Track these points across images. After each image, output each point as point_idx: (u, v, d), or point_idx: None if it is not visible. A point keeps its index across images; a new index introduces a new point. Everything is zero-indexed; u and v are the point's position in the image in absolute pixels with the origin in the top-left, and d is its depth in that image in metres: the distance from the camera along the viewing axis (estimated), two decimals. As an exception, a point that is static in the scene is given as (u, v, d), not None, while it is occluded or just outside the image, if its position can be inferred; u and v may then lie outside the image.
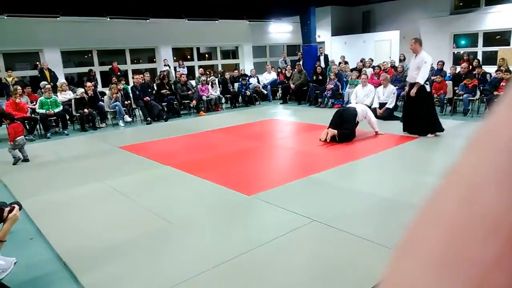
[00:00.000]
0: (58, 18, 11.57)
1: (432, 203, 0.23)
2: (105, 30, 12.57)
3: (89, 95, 9.53)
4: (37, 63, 11.94)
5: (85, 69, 12.88)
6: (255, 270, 2.97)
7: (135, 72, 12.80)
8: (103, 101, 9.96)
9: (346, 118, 6.75)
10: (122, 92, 10.06)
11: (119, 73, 11.88)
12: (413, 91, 6.59)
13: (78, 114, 9.32)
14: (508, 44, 13.25)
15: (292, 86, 12.16)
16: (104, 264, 3.15)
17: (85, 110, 9.23)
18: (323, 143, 6.54)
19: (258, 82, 13.01)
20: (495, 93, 8.54)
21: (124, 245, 3.45)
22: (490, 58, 12.91)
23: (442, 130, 6.80)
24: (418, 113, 6.66)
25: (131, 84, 11.12)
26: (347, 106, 7.50)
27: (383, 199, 4.21)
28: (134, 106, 10.28)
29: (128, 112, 10.14)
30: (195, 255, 3.21)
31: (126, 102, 10.06)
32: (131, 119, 10.12)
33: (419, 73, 6.50)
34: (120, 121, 9.79)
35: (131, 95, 10.26)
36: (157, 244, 3.44)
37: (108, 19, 12.42)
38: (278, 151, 6.86)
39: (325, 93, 11.28)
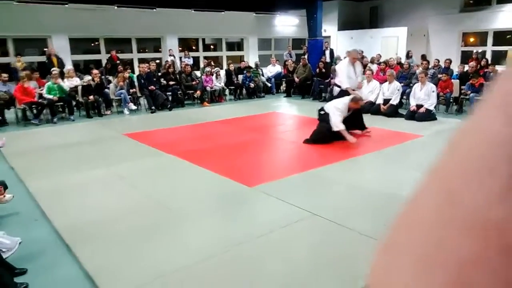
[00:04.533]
0: (66, 5, 11.61)
1: (413, 203, 0.23)
2: (112, 19, 12.59)
3: (96, 82, 9.58)
4: (45, 49, 11.99)
5: (92, 57, 12.93)
6: (253, 260, 3.00)
7: (141, 61, 12.84)
8: (108, 88, 10.02)
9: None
10: (127, 81, 10.12)
11: (118, 62, 11.87)
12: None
13: (84, 101, 9.40)
14: (517, 44, 13.15)
15: (297, 79, 12.15)
16: (105, 248, 3.21)
17: (91, 97, 9.29)
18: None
19: (262, 74, 13.00)
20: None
21: (125, 230, 3.50)
22: (499, 57, 12.81)
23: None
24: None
25: (137, 72, 11.15)
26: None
27: (383, 194, 4.23)
28: (139, 94, 10.32)
29: (133, 100, 10.19)
30: (194, 243, 3.25)
31: (131, 90, 10.11)
32: (136, 107, 10.17)
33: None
34: (125, 109, 9.85)
35: (136, 83, 10.30)
36: (156, 231, 3.48)
37: (116, 7, 12.44)
38: (280, 144, 6.89)
39: (330, 87, 11.26)
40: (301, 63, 12.45)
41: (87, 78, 9.67)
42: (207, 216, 3.84)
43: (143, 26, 13.23)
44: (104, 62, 12.56)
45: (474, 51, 13.32)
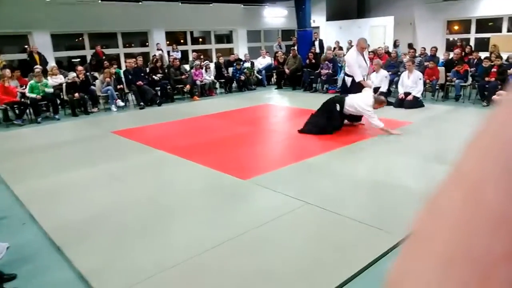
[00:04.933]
0: (48, 0, 11.34)
1: (437, 200, 0.23)
2: (96, 13, 12.34)
3: (81, 79, 9.40)
4: (26, 46, 11.71)
5: (76, 53, 12.68)
6: (249, 252, 3.01)
7: (127, 56, 12.64)
8: (95, 85, 9.85)
9: (326, 105, 6.49)
10: (114, 77, 9.95)
11: (103, 57, 11.66)
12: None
13: (69, 99, 9.21)
14: (500, 31, 13.29)
15: (287, 71, 12.10)
16: (98, 248, 3.16)
17: (76, 94, 9.11)
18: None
19: (253, 67, 12.92)
20: (486, 79, 8.59)
21: (118, 228, 3.45)
22: (482, 44, 12.94)
23: None
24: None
25: (124, 68, 10.99)
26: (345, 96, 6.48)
27: (374, 181, 4.30)
28: (126, 90, 10.17)
29: (120, 96, 10.04)
30: (190, 238, 3.23)
31: (118, 86, 9.95)
32: (124, 104, 10.03)
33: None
34: (113, 105, 9.70)
35: (123, 79, 10.15)
36: (150, 228, 3.44)
37: (100, 1, 12.21)
38: (273, 136, 6.87)
39: (320, 78, 11.27)
40: (291, 55, 12.41)
41: (72, 75, 9.46)
42: (201, 210, 3.81)
43: (128, 20, 13.02)
44: (89, 58, 12.33)
45: (458, 38, 13.44)
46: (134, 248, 3.12)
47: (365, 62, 7.07)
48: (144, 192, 4.26)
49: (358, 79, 6.88)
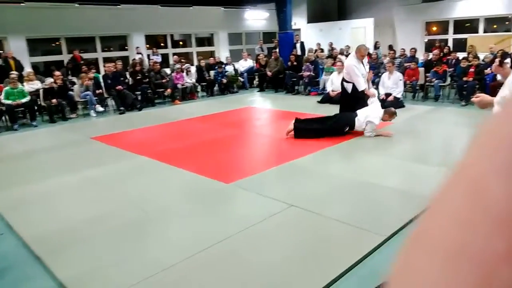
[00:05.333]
0: (23, 4, 11.07)
1: (440, 198, 0.23)
2: (73, 17, 12.10)
3: (58, 84, 9.19)
4: (1, 51, 11.39)
5: (53, 58, 12.39)
6: (234, 256, 2.97)
7: (106, 60, 12.43)
8: (73, 90, 9.64)
9: (336, 123, 6.24)
10: (93, 81, 9.76)
11: (81, 62, 11.44)
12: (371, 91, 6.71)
13: (46, 105, 8.99)
14: (477, 32, 13.59)
15: (269, 73, 12.10)
16: (80, 256, 3.07)
17: (54, 100, 8.89)
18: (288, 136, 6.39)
19: (235, 70, 12.88)
20: (464, 79, 8.75)
21: (100, 236, 3.36)
22: (460, 45, 13.20)
23: None
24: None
25: (103, 72, 10.79)
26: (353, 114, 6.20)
27: (357, 182, 4.30)
28: (106, 95, 9.99)
29: (100, 101, 9.85)
30: (173, 244, 3.19)
31: (97, 91, 9.76)
32: (103, 109, 9.85)
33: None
34: (92, 111, 9.51)
35: (102, 84, 9.96)
36: (133, 234, 3.37)
37: (77, 5, 11.98)
38: (256, 139, 6.84)
39: (302, 80, 11.31)
40: (272, 57, 12.42)
41: (49, 80, 9.24)
42: (184, 216, 3.75)
43: (107, 24, 12.81)
44: (66, 63, 12.06)
45: (437, 39, 13.70)
46: (117, 256, 3.05)
47: (365, 69, 6.72)
48: (127, 199, 4.17)
49: (361, 88, 6.49)
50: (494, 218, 0.19)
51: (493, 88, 7.11)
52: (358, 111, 6.19)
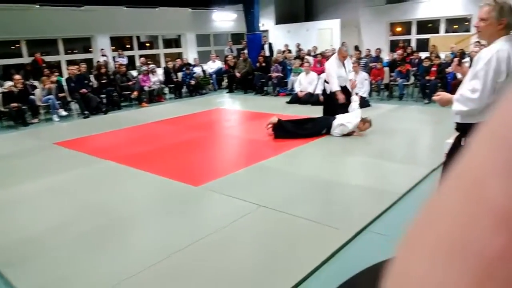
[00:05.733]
0: (-21, 5, 10.59)
1: (439, 196, 0.23)
2: (34, 18, 11.66)
3: (18, 88, 8.83)
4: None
5: (13, 61, 11.91)
6: (203, 259, 2.93)
7: (69, 63, 12.06)
8: (34, 94, 9.29)
9: (316, 125, 6.30)
10: (55, 85, 9.44)
11: (43, 65, 11.06)
12: (355, 84, 6.75)
13: (7, 110, 8.62)
14: (438, 32, 14.06)
15: (238, 75, 12.08)
16: (42, 266, 2.95)
17: (14, 104, 8.53)
18: (270, 131, 6.42)
19: (203, 71, 12.79)
20: (427, 78, 9.03)
21: (63, 245, 3.25)
22: (422, 45, 13.62)
23: None
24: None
25: (66, 75, 10.46)
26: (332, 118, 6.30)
27: (324, 181, 4.35)
28: (69, 99, 9.69)
29: (63, 105, 9.54)
30: (141, 249, 3.12)
31: (60, 95, 9.45)
32: (67, 113, 9.54)
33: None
34: (54, 115, 9.20)
35: (65, 87, 9.65)
36: (98, 242, 3.27)
37: (38, 6, 11.56)
38: (225, 140, 6.80)
39: (271, 81, 11.36)
40: (241, 58, 12.41)
41: (8, 84, 8.86)
42: (152, 221, 3.68)
43: (70, 26, 12.42)
44: (26, 66, 11.62)
45: (401, 40, 14.09)
46: (80, 265, 2.95)
47: (345, 71, 6.62)
48: (91, 205, 4.04)
49: (334, 88, 6.49)
50: (492, 216, 0.19)
51: (454, 86, 7.36)
52: (338, 116, 6.25)
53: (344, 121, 6.10)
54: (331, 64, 6.61)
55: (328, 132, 6.19)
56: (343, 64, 6.60)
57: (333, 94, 6.53)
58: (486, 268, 0.18)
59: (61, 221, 3.69)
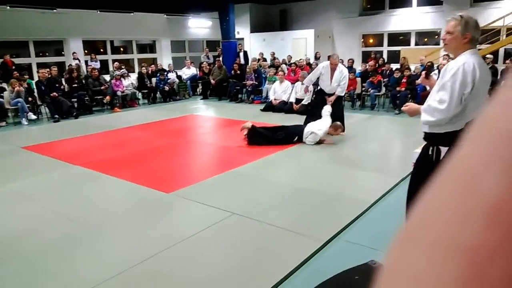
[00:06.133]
0: None
1: (433, 192, 0.23)
2: (4, 20, 11.31)
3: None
4: None
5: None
6: (174, 266, 2.90)
7: (40, 66, 11.75)
8: (2, 97, 9.00)
9: (289, 132, 6.36)
10: (25, 88, 9.18)
11: (13, 67, 10.73)
12: (332, 98, 6.84)
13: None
14: (409, 44, 14.52)
15: (213, 81, 12.08)
16: (4, 274, 2.85)
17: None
18: (244, 138, 6.46)
19: (177, 77, 12.73)
20: (398, 88, 9.30)
21: (29, 253, 3.14)
22: (394, 56, 14.02)
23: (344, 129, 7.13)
24: (334, 114, 6.91)
25: (36, 78, 10.19)
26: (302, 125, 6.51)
27: (298, 188, 4.39)
28: (39, 102, 9.43)
29: (32, 109, 9.28)
30: (110, 257, 3.06)
31: (30, 98, 9.19)
32: (36, 117, 9.28)
33: (343, 86, 6.83)
34: (23, 119, 8.94)
35: (35, 90, 9.40)
36: (68, 248, 3.20)
37: (8, 7, 11.24)
38: (198, 147, 6.77)
39: (245, 89, 11.41)
40: (216, 65, 12.42)
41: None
42: (122, 227, 3.61)
43: (42, 28, 12.13)
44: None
45: (373, 51, 14.47)
46: (50, 272, 2.87)
47: (330, 79, 6.77)
48: (60, 211, 3.94)
49: (305, 82, 7.34)
50: (486, 212, 0.19)
51: (423, 97, 7.54)
52: (308, 124, 6.40)
53: (314, 129, 6.21)
54: (320, 67, 6.96)
55: (300, 140, 6.27)
56: (332, 73, 6.78)
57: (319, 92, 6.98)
58: (480, 264, 0.18)
59: (27, 228, 3.58)
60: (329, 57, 7.12)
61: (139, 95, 11.67)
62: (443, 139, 2.51)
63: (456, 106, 2.40)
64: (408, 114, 2.85)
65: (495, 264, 0.18)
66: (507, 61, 10.19)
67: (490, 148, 0.20)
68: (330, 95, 6.82)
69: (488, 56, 9.92)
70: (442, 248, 0.20)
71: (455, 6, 12.67)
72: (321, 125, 6.26)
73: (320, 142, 6.26)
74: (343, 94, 7.06)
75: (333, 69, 6.77)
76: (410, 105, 2.89)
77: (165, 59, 15.07)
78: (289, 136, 6.29)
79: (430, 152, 2.61)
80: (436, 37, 14.08)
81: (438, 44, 13.40)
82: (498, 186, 0.19)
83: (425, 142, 2.69)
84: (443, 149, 2.52)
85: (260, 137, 6.23)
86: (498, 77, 9.40)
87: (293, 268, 2.82)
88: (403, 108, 2.91)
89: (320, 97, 7.02)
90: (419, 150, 2.86)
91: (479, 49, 11.31)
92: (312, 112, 6.99)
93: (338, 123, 6.46)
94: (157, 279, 2.76)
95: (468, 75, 2.38)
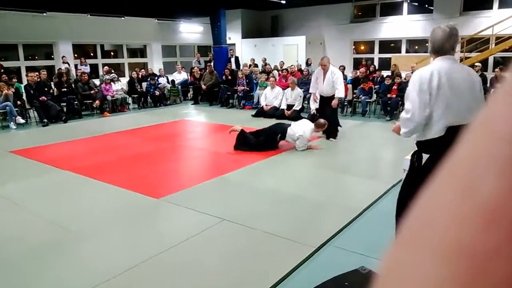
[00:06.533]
0: None
1: (432, 193, 0.22)
2: (-8, 22, 11.22)
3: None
4: None
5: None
6: (163, 273, 2.86)
7: (29, 69, 11.62)
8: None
9: (270, 130, 6.39)
10: (13, 91, 9.05)
11: (2, 70, 10.60)
12: (335, 102, 6.93)
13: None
14: (400, 52, 14.66)
15: (204, 87, 12.05)
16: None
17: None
18: (233, 135, 6.39)
19: (168, 82, 12.67)
20: (388, 95, 9.36)
21: (16, 258, 3.08)
22: (384, 63, 14.13)
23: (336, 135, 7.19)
24: (328, 118, 6.95)
25: (25, 82, 10.06)
26: (288, 124, 6.51)
27: (288, 194, 4.37)
28: (28, 106, 9.31)
29: (21, 113, 9.15)
30: (97, 264, 3.00)
31: (18, 102, 9.07)
32: (25, 121, 9.15)
33: (339, 88, 6.87)
34: (11, 123, 8.81)
35: (24, 94, 9.27)
36: (52, 255, 3.14)
37: (-3, 10, 11.12)
38: (189, 152, 6.72)
39: (237, 94, 11.40)
40: (207, 70, 12.40)
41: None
42: (110, 233, 3.55)
43: (31, 31, 12.01)
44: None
45: (364, 58, 14.56)
46: (34, 279, 2.81)
47: (322, 81, 6.93)
48: (46, 217, 3.87)
49: (310, 90, 7.48)
50: (485, 214, 0.19)
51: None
52: (292, 123, 6.41)
53: (299, 131, 6.18)
54: (316, 70, 7.36)
55: (283, 138, 6.26)
56: (324, 75, 6.94)
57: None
58: (479, 266, 0.18)
59: (12, 233, 3.52)
60: None
61: (129, 100, 11.59)
62: (425, 146, 2.54)
63: (420, 113, 2.44)
64: (396, 133, 2.87)
65: (494, 266, 0.18)
66: (496, 70, 10.33)
67: (489, 149, 0.20)
68: (328, 98, 6.92)
69: (476, 64, 10.03)
70: (441, 250, 0.20)
71: (445, 14, 12.84)
72: (304, 127, 6.27)
73: (310, 148, 6.27)
74: (343, 96, 7.12)
75: (324, 71, 6.91)
76: (396, 125, 2.92)
77: (156, 64, 15.01)
78: (270, 136, 6.27)
79: (415, 159, 2.63)
80: (427, 44, 14.21)
81: (428, 52, 13.54)
82: (497, 187, 0.19)
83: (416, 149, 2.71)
84: (425, 156, 2.54)
85: (246, 143, 6.21)
86: (488, 85, 9.50)
87: (283, 274, 2.79)
88: (393, 129, 2.92)
89: (321, 102, 7.09)
90: (409, 157, 2.87)
91: (468, 58, 11.50)
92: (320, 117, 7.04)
93: (322, 120, 6.50)
94: (145, 287, 2.71)
95: (423, 83, 2.43)
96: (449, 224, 0.20)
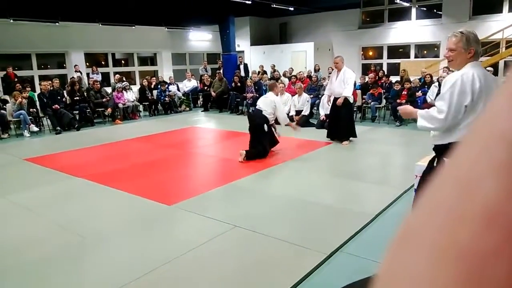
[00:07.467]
0: None
1: (431, 195, 0.23)
2: (7, 33, 11.44)
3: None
4: None
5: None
6: (177, 280, 2.89)
7: (42, 78, 11.83)
8: (5, 109, 9.05)
9: (257, 129, 6.37)
10: (27, 100, 9.23)
11: (15, 80, 10.81)
12: (339, 101, 6.94)
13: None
14: (409, 57, 14.63)
15: (213, 94, 12.15)
16: (8, 286, 2.84)
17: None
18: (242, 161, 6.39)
19: (178, 89, 12.80)
20: (398, 101, 9.34)
21: (32, 264, 3.14)
22: (393, 69, 14.10)
23: (356, 136, 7.23)
24: (342, 120, 6.99)
25: (38, 91, 10.25)
26: (256, 109, 6.70)
27: (298, 200, 4.39)
28: (41, 114, 9.48)
29: (35, 121, 9.32)
30: (113, 269, 3.04)
31: (32, 110, 9.24)
32: (38, 129, 9.32)
33: (347, 87, 6.90)
34: (25, 131, 8.97)
35: (37, 103, 9.45)
36: (69, 260, 3.19)
37: (11, 20, 11.36)
38: (199, 159, 6.77)
39: (246, 101, 11.46)
40: (217, 78, 12.49)
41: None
42: (123, 240, 3.60)
43: (44, 41, 12.25)
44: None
45: (372, 63, 14.55)
46: (50, 285, 2.86)
47: (335, 80, 7.02)
48: (61, 223, 3.94)
49: (325, 92, 7.76)
50: (483, 214, 0.19)
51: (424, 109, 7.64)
52: (258, 103, 6.67)
53: (267, 108, 6.35)
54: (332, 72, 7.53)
55: (268, 123, 6.35)
56: (337, 74, 7.06)
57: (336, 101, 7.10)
58: (478, 267, 0.18)
59: (28, 240, 3.58)
60: None
61: (140, 107, 11.72)
62: (447, 150, 2.53)
63: (454, 116, 2.42)
64: (403, 115, 2.87)
65: (492, 266, 0.18)
66: (507, 73, 10.24)
67: (488, 150, 0.20)
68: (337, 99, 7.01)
69: (488, 68, 9.98)
70: (440, 250, 0.20)
71: (454, 19, 12.81)
72: (267, 101, 6.46)
73: (288, 125, 6.62)
74: (348, 95, 7.08)
75: (337, 70, 7.05)
76: (406, 107, 2.92)
77: (166, 72, 15.17)
78: (257, 128, 6.30)
79: (435, 164, 2.62)
80: (436, 49, 14.19)
81: (438, 57, 13.51)
82: (496, 188, 0.19)
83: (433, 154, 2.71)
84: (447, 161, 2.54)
85: (258, 154, 6.24)
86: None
87: (296, 281, 2.80)
88: (399, 107, 2.94)
89: (333, 103, 7.13)
90: (421, 163, 2.88)
91: (478, 62, 11.49)
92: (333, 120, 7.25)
93: (272, 81, 6.92)
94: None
95: (466, 85, 2.40)
96: (448, 224, 0.20)
